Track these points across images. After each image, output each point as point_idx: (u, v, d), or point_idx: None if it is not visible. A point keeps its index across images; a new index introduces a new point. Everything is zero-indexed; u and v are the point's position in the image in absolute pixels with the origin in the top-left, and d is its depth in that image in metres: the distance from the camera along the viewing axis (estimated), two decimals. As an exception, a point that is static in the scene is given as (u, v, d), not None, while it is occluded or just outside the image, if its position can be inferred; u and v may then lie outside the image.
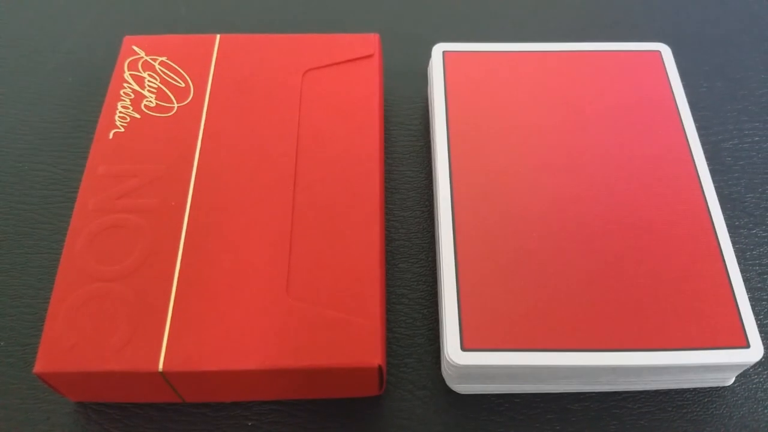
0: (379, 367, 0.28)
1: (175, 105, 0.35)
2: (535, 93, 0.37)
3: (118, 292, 0.29)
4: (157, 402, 0.31)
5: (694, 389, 0.32)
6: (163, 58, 0.37)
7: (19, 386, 0.31)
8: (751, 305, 0.34)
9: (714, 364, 0.29)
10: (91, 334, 0.28)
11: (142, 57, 0.37)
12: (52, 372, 0.28)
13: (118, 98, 0.36)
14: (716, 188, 0.38)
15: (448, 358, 0.29)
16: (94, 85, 0.42)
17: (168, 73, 0.37)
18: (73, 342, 0.28)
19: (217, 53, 0.37)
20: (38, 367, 0.28)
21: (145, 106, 0.35)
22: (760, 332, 0.34)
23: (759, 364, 0.33)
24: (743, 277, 0.35)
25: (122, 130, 0.34)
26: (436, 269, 0.35)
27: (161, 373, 0.28)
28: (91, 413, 0.31)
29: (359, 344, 0.28)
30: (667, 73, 0.38)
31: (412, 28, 0.45)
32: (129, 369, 0.28)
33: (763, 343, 0.33)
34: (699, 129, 0.40)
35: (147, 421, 0.31)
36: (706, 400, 0.32)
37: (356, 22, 0.46)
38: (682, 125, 0.36)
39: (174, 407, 0.31)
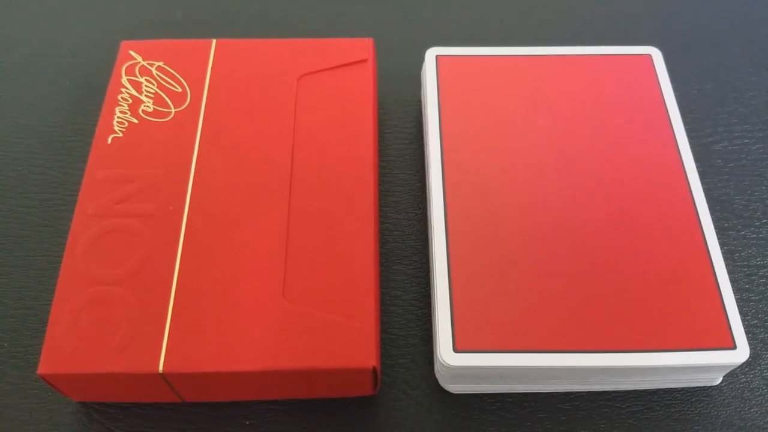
0: (374, 369, 0.29)
1: (173, 110, 0.36)
2: (526, 96, 0.38)
3: (118, 296, 0.30)
4: (157, 402, 0.32)
5: (683, 389, 0.33)
6: (160, 63, 0.38)
7: (23, 386, 0.32)
8: (739, 306, 0.35)
9: (701, 365, 0.30)
10: (93, 336, 0.29)
11: (140, 62, 0.38)
12: (56, 373, 0.28)
13: (116, 103, 0.36)
14: (706, 190, 0.39)
15: (440, 360, 0.30)
16: (92, 89, 0.42)
17: (165, 78, 0.37)
18: (76, 344, 0.29)
19: (214, 58, 0.38)
20: (42, 368, 0.28)
21: (143, 111, 0.36)
22: (748, 333, 0.34)
23: (746, 364, 0.33)
24: (732, 278, 0.36)
25: (120, 135, 0.35)
26: (429, 271, 0.36)
27: (161, 374, 0.28)
28: (93, 413, 0.32)
29: (354, 346, 0.29)
30: (657, 77, 0.39)
31: (406, 32, 0.46)
32: (130, 370, 0.28)
33: (751, 344, 0.34)
34: (689, 131, 0.41)
35: (147, 420, 0.31)
36: (694, 399, 0.32)
37: (350, 26, 0.46)
38: (672, 128, 0.37)
39: (174, 407, 0.32)
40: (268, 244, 0.32)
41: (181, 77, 0.37)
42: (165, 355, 0.29)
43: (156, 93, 0.36)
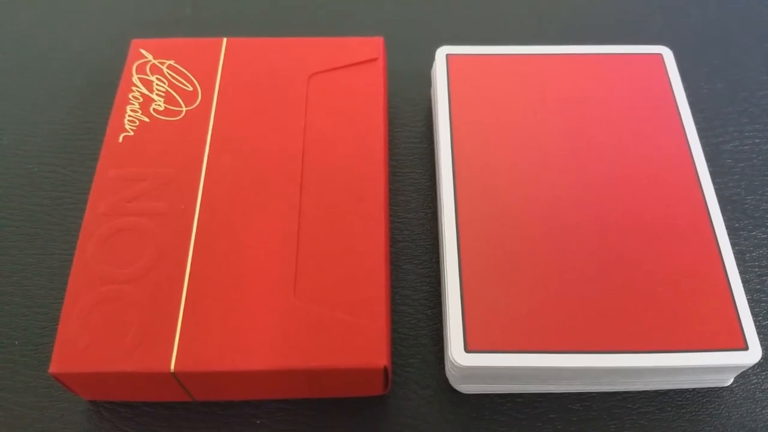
0: (385, 368, 0.29)
1: (184, 109, 0.36)
2: (537, 95, 0.38)
3: (129, 294, 0.30)
4: (167, 401, 0.32)
5: (694, 390, 0.33)
6: (171, 62, 0.38)
7: (34, 385, 0.32)
8: (751, 307, 0.35)
9: (713, 366, 0.30)
10: (104, 335, 0.29)
11: (150, 60, 0.38)
12: (67, 372, 0.28)
13: (127, 102, 0.36)
14: (716, 190, 0.39)
15: (451, 360, 0.30)
16: (102, 87, 0.42)
17: (176, 76, 0.37)
18: (87, 343, 0.29)
19: (224, 57, 0.38)
20: (53, 367, 0.28)
21: (154, 109, 0.36)
22: (759, 334, 0.34)
23: (758, 365, 0.33)
24: (743, 278, 0.36)
25: (132, 133, 0.35)
26: (439, 271, 0.36)
27: (173, 373, 0.28)
28: (104, 411, 0.32)
29: (365, 346, 0.29)
30: (668, 76, 0.39)
31: (416, 31, 0.46)
32: (141, 369, 0.28)
33: (763, 345, 0.34)
34: (700, 131, 0.41)
35: (158, 419, 0.31)
36: (705, 400, 0.32)
37: (360, 25, 0.46)
38: (683, 127, 0.37)
39: (184, 406, 0.32)
40: (279, 242, 0.32)
41: (192, 76, 0.37)
42: (176, 354, 0.29)
43: (167, 92, 0.36)
